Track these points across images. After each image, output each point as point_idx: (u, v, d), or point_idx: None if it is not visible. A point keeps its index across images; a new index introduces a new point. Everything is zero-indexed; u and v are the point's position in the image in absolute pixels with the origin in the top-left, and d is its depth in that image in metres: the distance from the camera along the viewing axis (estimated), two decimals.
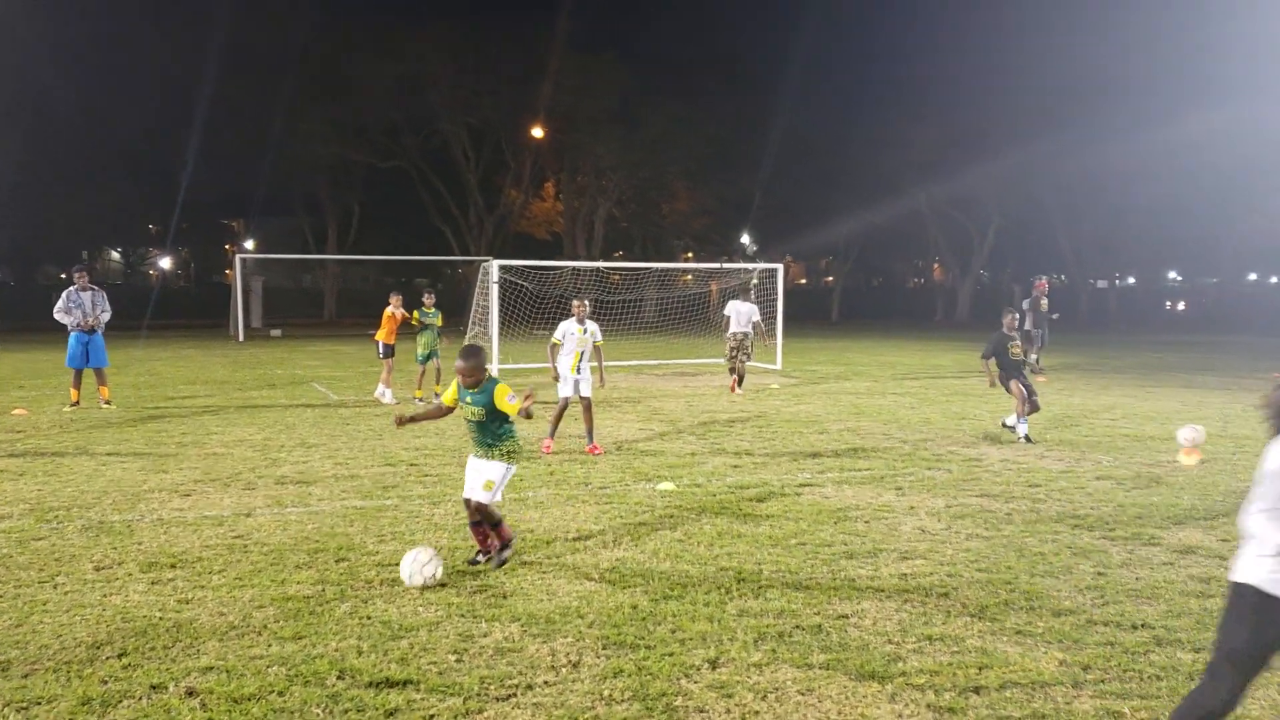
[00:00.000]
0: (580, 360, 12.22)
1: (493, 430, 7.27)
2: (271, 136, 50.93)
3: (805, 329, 46.03)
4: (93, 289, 16.50)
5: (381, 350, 17.83)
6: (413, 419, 7.63)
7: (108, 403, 16.31)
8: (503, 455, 7.27)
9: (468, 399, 7.23)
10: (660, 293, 32.45)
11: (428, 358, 17.42)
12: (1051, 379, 21.80)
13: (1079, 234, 63.62)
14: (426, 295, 17.81)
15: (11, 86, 45.42)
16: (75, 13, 46.99)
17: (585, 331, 12.21)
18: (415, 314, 17.51)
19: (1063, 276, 72.91)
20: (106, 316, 16.52)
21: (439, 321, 17.81)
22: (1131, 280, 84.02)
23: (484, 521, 7.20)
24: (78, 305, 16.18)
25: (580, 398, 12.27)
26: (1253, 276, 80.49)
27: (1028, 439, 13.09)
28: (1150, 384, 21.28)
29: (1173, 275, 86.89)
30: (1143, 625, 5.96)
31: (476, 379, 7.20)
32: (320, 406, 16.76)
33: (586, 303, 12.50)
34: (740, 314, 19.47)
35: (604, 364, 12.79)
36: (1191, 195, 53.85)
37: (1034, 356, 23.01)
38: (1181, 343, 38.26)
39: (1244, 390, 19.88)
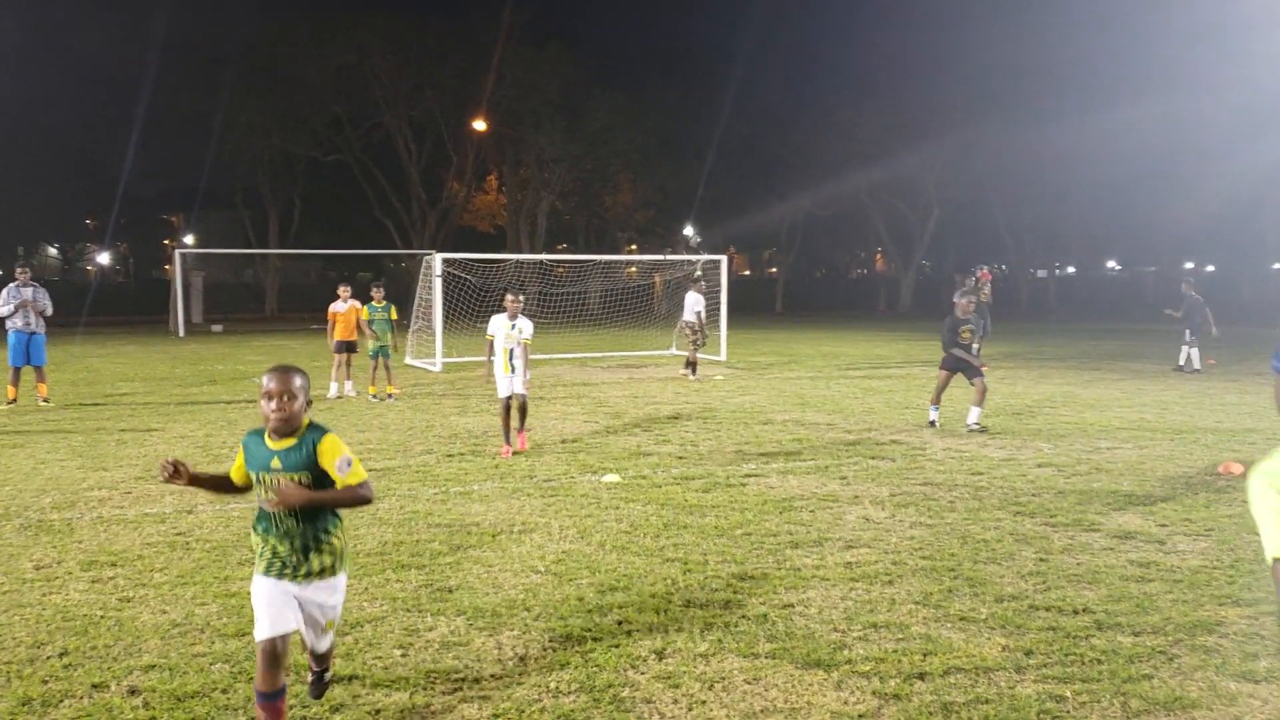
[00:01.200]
0: (511, 357, 11.59)
1: (320, 515, 4.25)
2: (211, 130, 50.25)
3: (750, 320, 46.26)
4: (33, 285, 16.28)
5: (335, 345, 17.39)
6: (195, 481, 4.23)
7: (45, 400, 16.00)
8: (336, 558, 4.33)
9: (273, 462, 4.16)
10: (604, 284, 32.45)
11: (378, 353, 17.01)
12: (992, 368, 22.10)
13: (1019, 223, 64.59)
14: (375, 289, 17.36)
15: None
16: (9, 3, 45.98)
17: (514, 328, 11.54)
18: (365, 310, 17.10)
19: (1004, 266, 73.90)
20: (49, 311, 16.33)
21: (393, 315, 17.37)
22: (1071, 270, 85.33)
23: (320, 674, 4.71)
24: (17, 300, 15.92)
25: (515, 395, 11.64)
26: (1189, 265, 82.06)
27: (932, 424, 13.48)
28: (1089, 372, 21.66)
29: (1111, 264, 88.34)
30: (1084, 610, 6.06)
31: (291, 421, 4.15)
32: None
33: (521, 298, 11.80)
34: (687, 304, 20.13)
35: (529, 360, 12.00)
36: (1130, 184, 54.81)
37: (975, 347, 23.36)
38: (1121, 331, 38.98)
39: (1180, 377, 20.29)
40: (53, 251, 77.21)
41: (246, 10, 52.06)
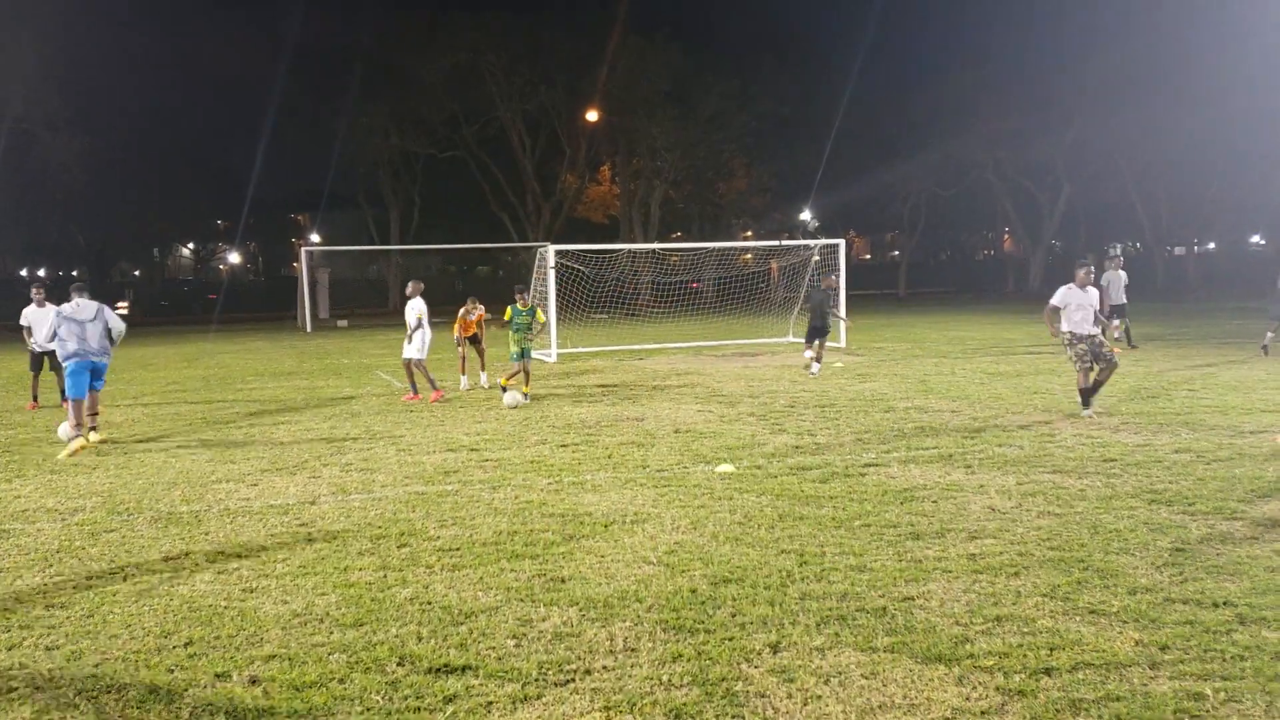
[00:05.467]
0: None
1: None
2: (334, 132, 51.84)
3: (871, 305, 45.51)
4: (83, 304, 12.62)
5: (456, 340, 17.65)
6: None
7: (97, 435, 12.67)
8: None
9: None
10: (719, 272, 32.19)
11: (521, 355, 15.97)
12: (1124, 351, 21.26)
13: (1154, 198, 61.73)
14: (519, 294, 16.28)
15: (82, 92, 46.67)
16: (141, 19, 48.20)
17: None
18: (508, 311, 16.42)
19: (1138, 244, 71.03)
20: (119, 329, 12.97)
21: (540, 317, 16.21)
22: (1212, 246, 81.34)
23: None
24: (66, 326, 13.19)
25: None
26: None
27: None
28: (1233, 352, 20.64)
29: (1256, 239, 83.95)
30: (1224, 603, 5.73)
31: None
32: (385, 394, 16.89)
33: (421, 285, 16.53)
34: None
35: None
36: (1274, 154, 51.61)
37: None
38: (1267, 310, 37.06)
39: None
40: (186, 252, 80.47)
41: (364, 15, 53.42)
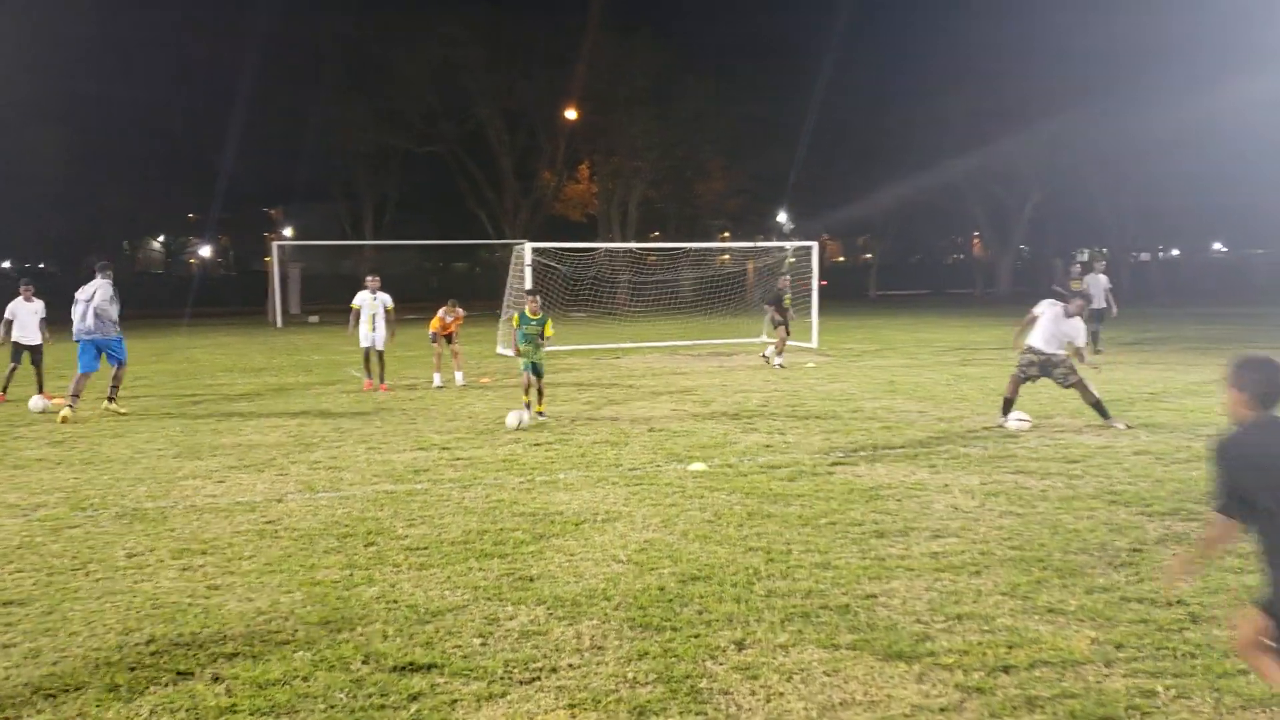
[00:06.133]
0: (374, 320, 16.88)
1: None
2: (310, 125, 51.43)
3: (842, 306, 45.70)
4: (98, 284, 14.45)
5: (431, 336, 17.71)
6: None
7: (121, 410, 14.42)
8: None
9: None
10: (696, 273, 32.27)
11: (529, 368, 13.83)
12: (1092, 353, 21.44)
13: (1120, 205, 62.35)
14: (530, 300, 14.18)
15: (58, 82, 46.16)
16: (117, 8, 47.65)
17: (374, 299, 16.99)
18: (515, 319, 15.01)
19: (1104, 250, 71.65)
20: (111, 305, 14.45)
21: (548, 330, 13.98)
22: (1175, 252, 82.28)
23: None
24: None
25: (374, 348, 17.02)
26: None
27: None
28: (1192, 357, 20.90)
29: (1217, 246, 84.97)
30: (1178, 602, 5.82)
31: None
32: (355, 392, 16.85)
33: (378, 279, 17.38)
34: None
35: (389, 322, 17.34)
36: (1236, 164, 52.42)
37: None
38: (1226, 315, 37.58)
39: None
40: (156, 245, 79.75)
41: (343, 8, 52.87)
